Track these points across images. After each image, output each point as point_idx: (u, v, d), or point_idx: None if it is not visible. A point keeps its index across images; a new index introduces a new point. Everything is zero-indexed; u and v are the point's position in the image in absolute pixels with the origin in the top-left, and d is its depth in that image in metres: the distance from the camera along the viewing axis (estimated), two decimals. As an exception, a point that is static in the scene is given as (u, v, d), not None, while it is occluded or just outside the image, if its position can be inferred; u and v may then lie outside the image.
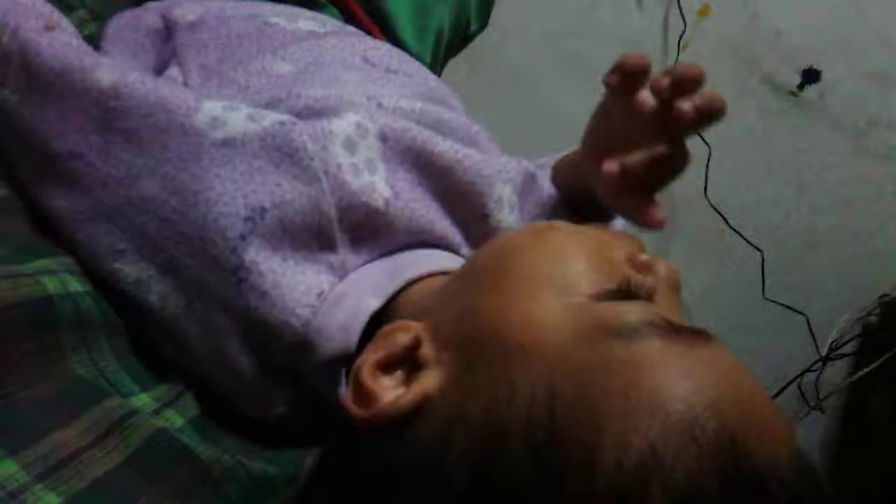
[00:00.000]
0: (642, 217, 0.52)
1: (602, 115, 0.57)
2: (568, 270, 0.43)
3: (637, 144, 0.52)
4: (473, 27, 1.06)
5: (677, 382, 0.34)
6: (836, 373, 1.75)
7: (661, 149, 0.51)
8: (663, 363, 0.35)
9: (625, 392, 0.34)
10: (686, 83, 0.48)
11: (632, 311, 0.38)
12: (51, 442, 0.37)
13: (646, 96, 0.52)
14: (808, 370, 1.73)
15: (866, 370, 1.57)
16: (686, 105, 0.48)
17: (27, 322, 0.40)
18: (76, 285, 0.46)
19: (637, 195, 0.53)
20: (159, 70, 0.63)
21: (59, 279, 0.45)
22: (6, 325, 0.39)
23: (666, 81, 0.48)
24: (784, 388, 1.74)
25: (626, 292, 0.40)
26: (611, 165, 0.50)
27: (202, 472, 0.44)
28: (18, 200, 0.50)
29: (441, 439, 0.39)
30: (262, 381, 0.49)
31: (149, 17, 0.66)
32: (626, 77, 0.50)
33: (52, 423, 0.38)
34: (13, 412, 0.37)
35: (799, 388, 1.75)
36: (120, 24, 0.66)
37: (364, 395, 0.41)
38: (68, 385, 0.41)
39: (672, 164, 0.52)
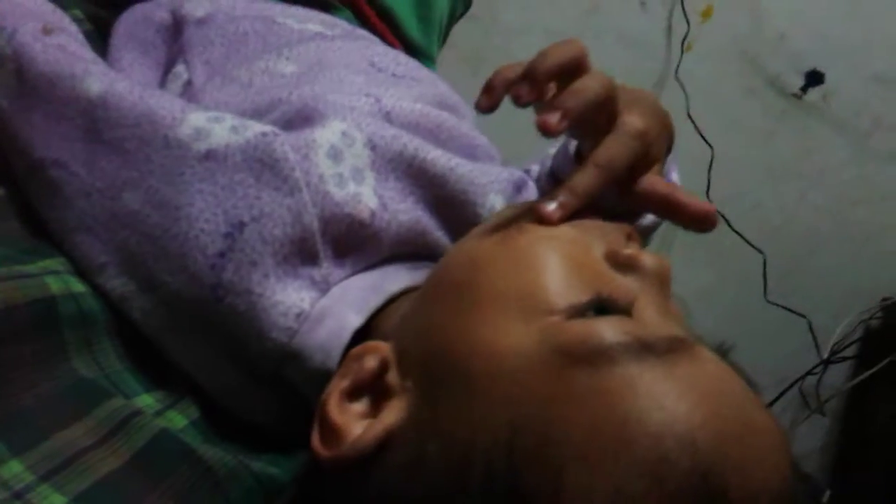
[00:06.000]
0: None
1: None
2: (535, 285, 0.39)
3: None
4: (459, 10, 1.07)
5: (647, 415, 0.32)
6: (838, 376, 1.75)
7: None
8: (633, 392, 0.33)
9: (590, 428, 0.32)
10: (557, 77, 0.46)
11: (601, 333, 0.35)
12: (55, 442, 0.37)
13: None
14: (809, 373, 1.74)
15: (868, 373, 1.58)
16: (552, 119, 0.43)
17: (31, 322, 0.40)
18: (79, 286, 0.46)
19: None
20: (168, 67, 0.63)
21: (62, 279, 0.45)
22: (11, 325, 0.38)
23: (525, 90, 0.44)
24: (785, 391, 1.74)
25: (599, 305, 0.38)
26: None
27: (205, 472, 0.44)
28: (18, 200, 0.50)
29: (404, 479, 0.37)
30: (247, 389, 0.49)
31: (159, 13, 0.66)
32: (500, 96, 0.46)
33: (56, 424, 0.38)
34: (17, 412, 0.37)
35: (800, 391, 1.75)
36: (130, 21, 0.65)
37: (330, 430, 0.39)
38: (72, 385, 0.41)
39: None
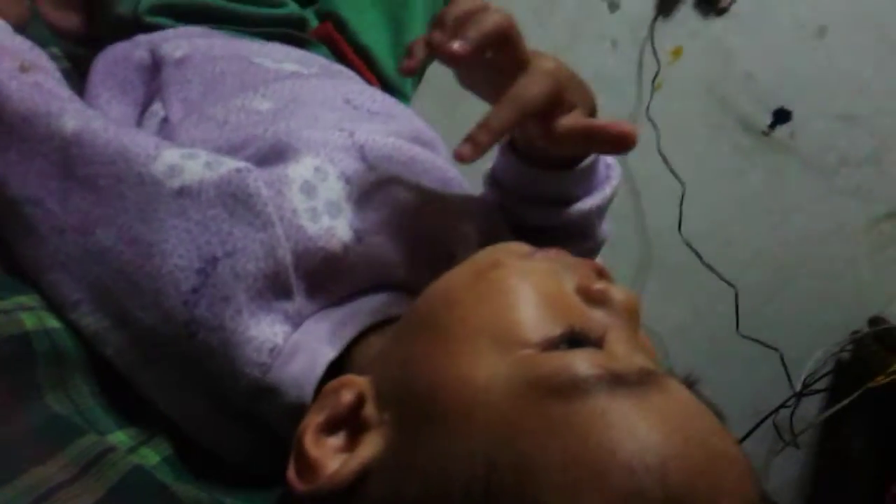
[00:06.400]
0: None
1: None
2: (509, 318, 0.40)
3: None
4: None
5: (619, 446, 0.32)
6: (811, 408, 1.76)
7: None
8: (605, 424, 0.33)
9: (565, 459, 0.33)
10: (461, 23, 0.48)
11: (574, 365, 0.36)
12: (29, 479, 0.37)
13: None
14: (782, 406, 1.75)
15: (840, 405, 1.58)
16: (455, 45, 0.47)
17: (5, 358, 0.40)
18: (53, 322, 0.46)
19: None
20: (146, 105, 0.63)
21: (36, 316, 0.45)
22: (-15, 362, 0.38)
23: (437, 36, 0.48)
24: (759, 424, 1.74)
25: (572, 338, 0.38)
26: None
27: (179, 509, 0.44)
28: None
29: None
30: (221, 425, 0.49)
31: (138, 52, 0.66)
32: (420, 57, 0.50)
33: (30, 460, 0.38)
34: (-9, 449, 0.37)
35: (774, 423, 1.76)
36: (109, 60, 0.66)
37: (307, 463, 0.39)
38: (46, 422, 0.41)
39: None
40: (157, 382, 0.47)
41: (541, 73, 0.50)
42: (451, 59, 0.47)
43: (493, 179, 0.67)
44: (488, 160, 0.66)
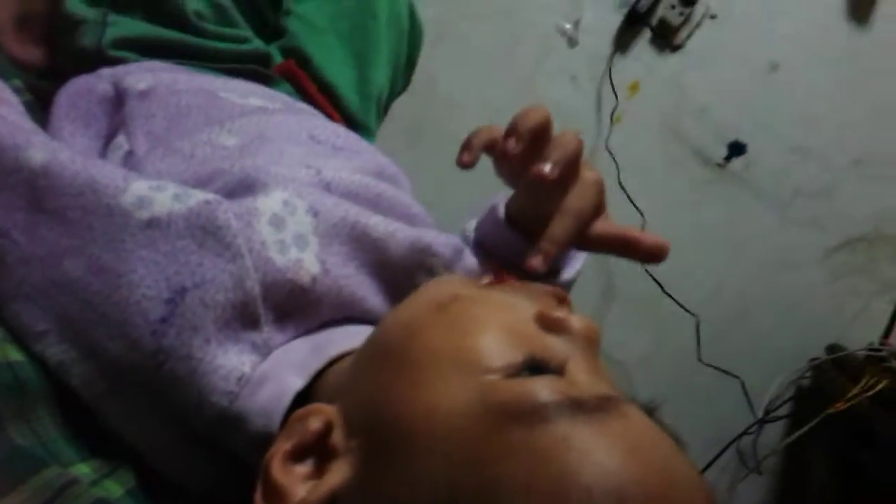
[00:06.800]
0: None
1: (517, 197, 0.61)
2: (470, 346, 0.40)
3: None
4: (399, 88, 1.10)
5: (579, 469, 0.33)
6: (773, 435, 1.78)
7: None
8: (566, 449, 0.34)
9: (526, 483, 0.33)
10: (535, 138, 0.53)
11: (535, 392, 0.36)
12: None
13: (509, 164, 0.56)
14: (745, 433, 1.76)
15: (801, 431, 1.60)
16: (547, 169, 0.52)
17: (-34, 391, 0.40)
18: (16, 355, 0.46)
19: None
20: (110, 138, 0.63)
21: (-1, 348, 0.44)
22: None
23: (513, 144, 0.52)
24: (723, 451, 1.76)
25: (533, 366, 0.39)
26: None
27: (143, 542, 0.43)
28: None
29: None
30: (187, 455, 0.48)
31: (101, 85, 0.66)
32: (478, 153, 0.55)
33: None
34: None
35: (737, 450, 1.77)
36: (72, 92, 0.65)
37: (274, 491, 0.39)
38: (8, 454, 0.40)
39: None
40: (124, 412, 0.47)
41: (590, 185, 0.56)
42: (541, 180, 0.52)
43: (479, 246, 0.68)
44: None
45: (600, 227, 0.57)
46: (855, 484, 1.58)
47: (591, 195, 0.56)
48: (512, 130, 0.53)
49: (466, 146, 0.55)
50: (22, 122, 0.52)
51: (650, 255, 0.55)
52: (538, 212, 0.56)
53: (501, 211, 0.63)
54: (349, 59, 0.92)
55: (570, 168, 0.54)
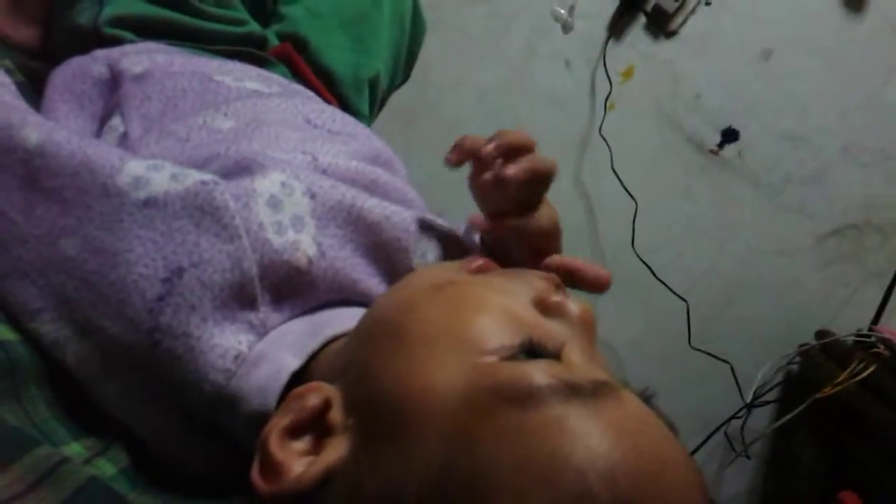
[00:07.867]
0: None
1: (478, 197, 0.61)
2: (468, 327, 0.41)
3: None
4: (398, 80, 1.10)
5: (572, 452, 0.33)
6: (761, 419, 1.79)
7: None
8: (559, 431, 0.34)
9: (518, 463, 0.33)
10: (512, 150, 0.54)
11: (530, 375, 0.37)
12: None
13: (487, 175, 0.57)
14: (733, 417, 1.78)
15: (789, 416, 1.61)
16: (510, 170, 0.53)
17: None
18: (8, 334, 0.46)
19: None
20: (104, 120, 0.63)
21: (-9, 328, 0.44)
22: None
23: (491, 147, 0.54)
24: (711, 435, 1.77)
25: (529, 349, 0.39)
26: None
27: (135, 520, 0.43)
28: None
29: None
30: (182, 435, 0.49)
31: (96, 67, 0.66)
32: (465, 155, 0.56)
33: None
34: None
35: (726, 434, 1.78)
36: (66, 74, 0.65)
37: (271, 465, 0.39)
38: (-1, 434, 0.40)
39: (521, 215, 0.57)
40: (119, 392, 0.47)
41: (549, 215, 0.58)
42: (500, 180, 0.54)
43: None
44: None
45: (554, 258, 0.58)
46: (842, 468, 1.60)
47: (546, 217, 0.58)
48: (492, 137, 0.54)
49: (456, 147, 0.55)
50: (16, 102, 0.52)
51: (593, 283, 0.56)
52: (491, 210, 0.58)
53: (476, 238, 0.65)
54: (349, 43, 0.92)
55: (536, 183, 0.55)
